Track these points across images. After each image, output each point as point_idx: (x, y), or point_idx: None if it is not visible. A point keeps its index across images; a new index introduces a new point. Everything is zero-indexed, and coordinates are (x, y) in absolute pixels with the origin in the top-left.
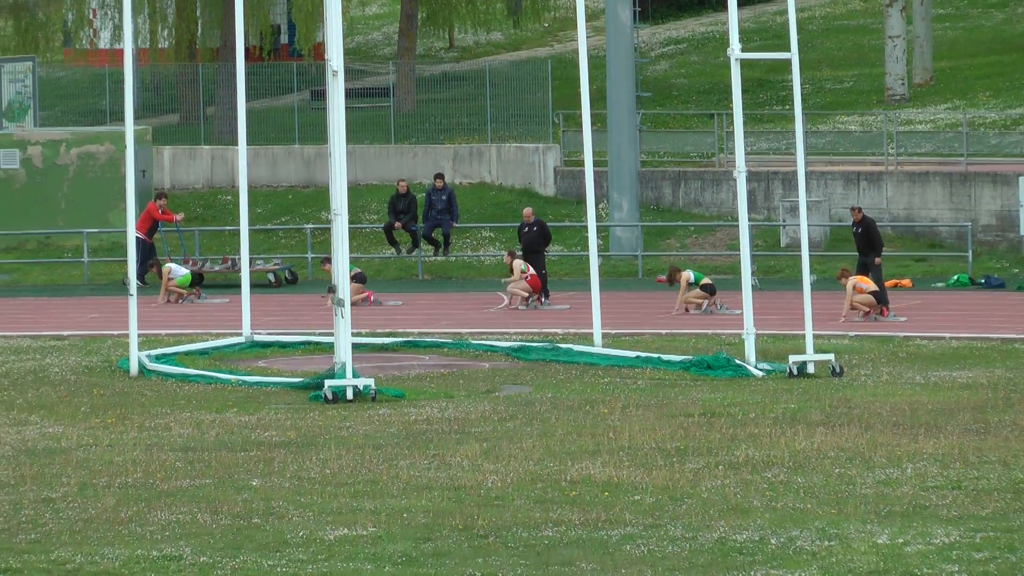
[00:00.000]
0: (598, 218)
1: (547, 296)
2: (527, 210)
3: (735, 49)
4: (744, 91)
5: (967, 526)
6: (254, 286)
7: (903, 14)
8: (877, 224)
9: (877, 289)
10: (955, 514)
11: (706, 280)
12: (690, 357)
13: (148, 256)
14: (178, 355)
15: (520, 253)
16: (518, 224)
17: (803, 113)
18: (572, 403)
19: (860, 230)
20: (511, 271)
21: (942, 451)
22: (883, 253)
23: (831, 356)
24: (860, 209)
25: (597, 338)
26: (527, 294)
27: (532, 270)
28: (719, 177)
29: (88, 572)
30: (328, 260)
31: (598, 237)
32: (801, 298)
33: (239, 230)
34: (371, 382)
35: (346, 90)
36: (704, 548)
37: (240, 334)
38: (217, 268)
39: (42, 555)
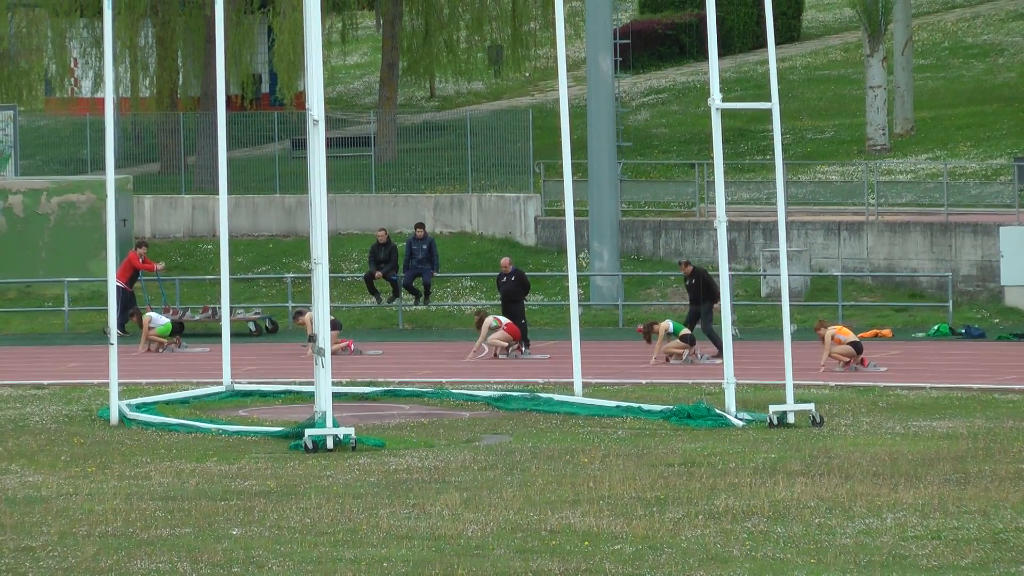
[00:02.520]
0: (579, 267)
1: (527, 346)
2: (504, 260)
3: (716, 99)
4: (725, 141)
5: None
6: (234, 335)
7: (884, 64)
8: (858, 273)
9: (856, 339)
10: (935, 564)
11: (685, 331)
12: (670, 407)
13: (128, 305)
14: (158, 404)
15: (483, 312)
16: (498, 273)
17: (784, 163)
18: (552, 452)
19: (695, 282)
20: (479, 330)
21: (922, 501)
22: (864, 303)
23: (811, 406)
24: (688, 262)
25: (578, 387)
26: (507, 343)
27: (504, 320)
28: (700, 227)
29: None
30: (300, 313)
31: (579, 286)
32: (781, 348)
33: (220, 279)
34: (351, 431)
35: (327, 139)
36: None
37: (220, 383)
38: (197, 317)
39: None
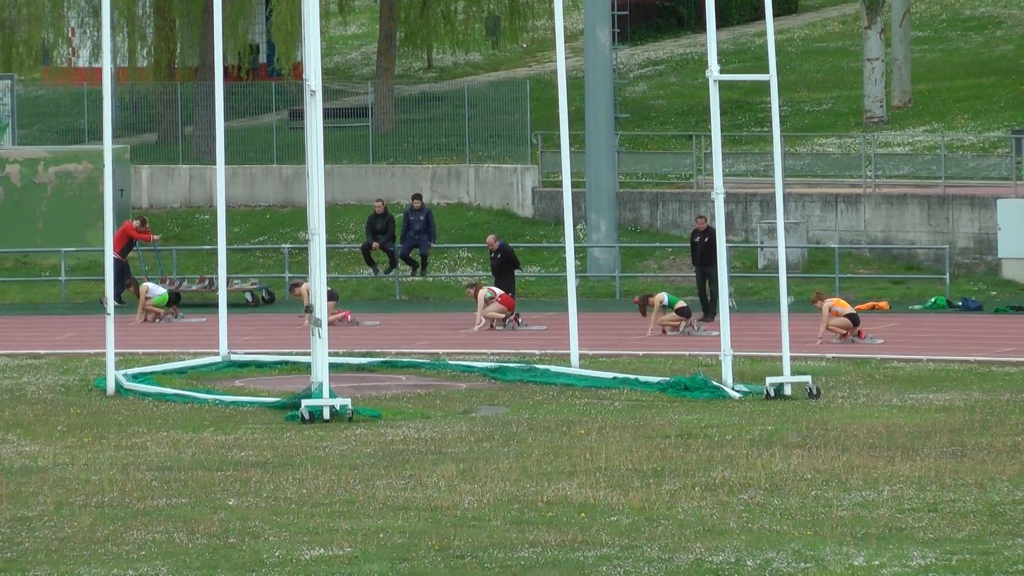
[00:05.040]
0: (576, 239)
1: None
2: (490, 238)
3: (714, 70)
4: (722, 113)
5: (943, 548)
6: (231, 305)
7: (882, 36)
8: (855, 245)
9: (853, 311)
10: (931, 536)
11: (681, 303)
12: (667, 378)
13: (124, 275)
14: (155, 374)
15: (476, 282)
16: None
17: (781, 135)
18: (549, 424)
19: (708, 240)
20: (476, 301)
21: (918, 473)
22: (862, 275)
23: (808, 378)
24: (707, 219)
25: (574, 359)
26: (503, 315)
27: (498, 291)
28: (697, 198)
29: None
30: (297, 284)
31: (576, 258)
32: (778, 320)
33: (217, 249)
34: (348, 402)
35: (324, 110)
36: (680, 570)
37: (217, 353)
38: (194, 287)
39: (18, 574)
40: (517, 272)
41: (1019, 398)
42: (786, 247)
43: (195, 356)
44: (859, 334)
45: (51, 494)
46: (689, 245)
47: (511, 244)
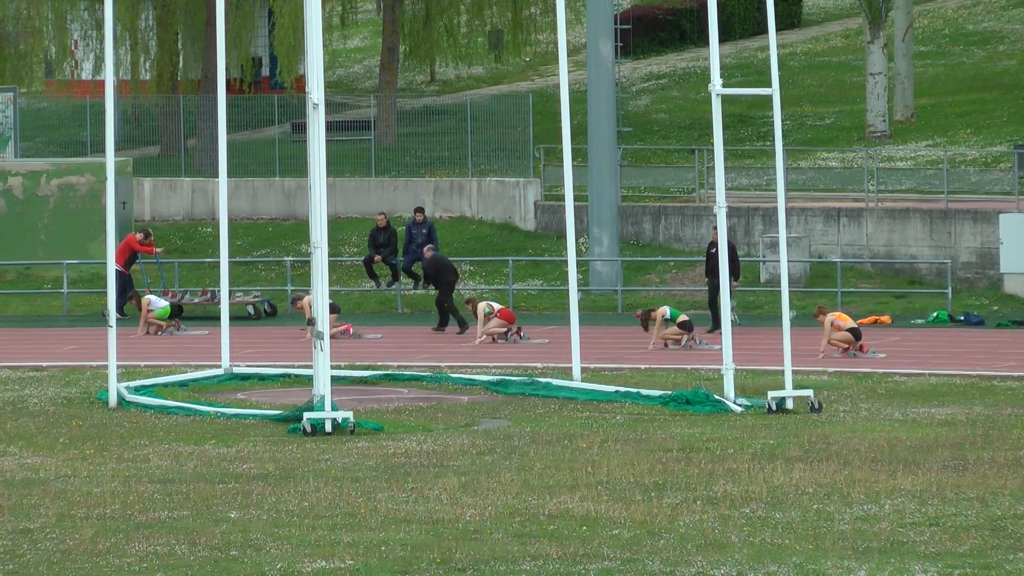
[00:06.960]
0: (578, 252)
1: (444, 327)
2: (424, 249)
3: (716, 84)
4: (725, 127)
5: (945, 562)
6: (233, 318)
7: (884, 51)
8: (857, 259)
9: (855, 326)
10: (933, 550)
11: (683, 317)
12: (669, 392)
13: (126, 288)
14: (157, 387)
15: (474, 297)
16: (498, 258)
17: (784, 149)
18: (551, 437)
19: (716, 250)
20: (476, 316)
21: (920, 487)
22: (864, 290)
23: (810, 392)
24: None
25: (576, 372)
26: (504, 329)
27: (497, 306)
28: (699, 212)
29: None
30: (299, 298)
31: (578, 272)
32: (780, 334)
33: (219, 262)
34: (350, 415)
35: (327, 123)
36: None
37: (219, 366)
38: (197, 300)
39: None
40: (516, 285)
41: (1021, 412)
42: (788, 261)
43: (197, 369)
44: (861, 348)
45: (53, 506)
46: (705, 256)
47: (513, 257)
